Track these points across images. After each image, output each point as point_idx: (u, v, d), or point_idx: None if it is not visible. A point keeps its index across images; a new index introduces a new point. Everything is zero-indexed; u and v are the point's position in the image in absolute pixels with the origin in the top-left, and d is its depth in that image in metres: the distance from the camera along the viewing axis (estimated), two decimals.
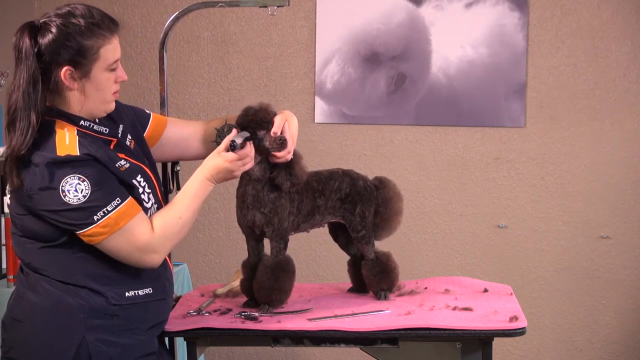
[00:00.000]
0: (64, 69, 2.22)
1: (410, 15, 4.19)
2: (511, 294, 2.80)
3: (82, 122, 2.28)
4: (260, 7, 3.03)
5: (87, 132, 2.29)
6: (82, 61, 2.23)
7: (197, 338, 2.52)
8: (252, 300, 2.66)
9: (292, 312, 2.60)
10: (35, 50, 2.20)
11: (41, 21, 2.23)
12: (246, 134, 2.46)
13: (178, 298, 2.79)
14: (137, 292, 2.32)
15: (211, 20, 4.30)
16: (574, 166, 4.22)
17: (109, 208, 2.21)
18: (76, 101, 2.27)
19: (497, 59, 4.18)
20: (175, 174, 2.92)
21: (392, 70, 4.21)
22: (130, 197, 2.26)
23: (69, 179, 2.18)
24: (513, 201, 4.25)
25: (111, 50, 2.26)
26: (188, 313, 2.60)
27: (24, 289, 2.31)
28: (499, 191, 4.25)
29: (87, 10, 2.25)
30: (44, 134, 2.24)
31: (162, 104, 3.08)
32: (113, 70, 2.28)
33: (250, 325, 2.50)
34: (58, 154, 2.20)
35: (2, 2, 4.03)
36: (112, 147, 2.34)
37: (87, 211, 2.20)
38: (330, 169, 2.74)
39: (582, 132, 4.20)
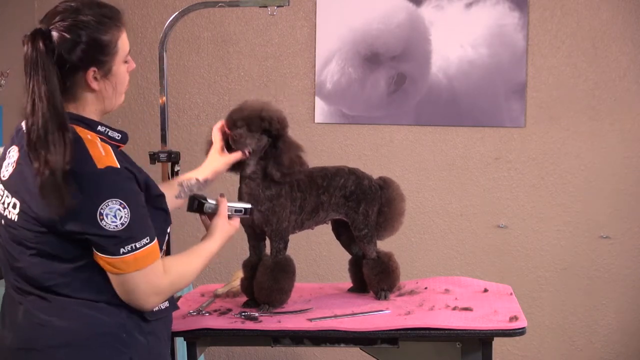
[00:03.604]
0: (90, 70, 2.05)
1: (410, 15, 4.19)
2: (511, 294, 2.80)
3: (99, 127, 2.10)
4: (260, 7, 3.03)
5: (104, 138, 2.10)
6: (104, 59, 2.06)
7: (197, 338, 2.52)
8: (252, 300, 2.66)
9: (292, 312, 2.60)
10: (54, 57, 2.00)
11: (49, 26, 2.02)
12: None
13: (178, 298, 2.79)
14: (160, 307, 2.16)
15: (211, 20, 4.30)
16: (574, 166, 4.21)
17: (137, 245, 2.02)
18: (94, 102, 2.10)
19: (497, 59, 4.18)
20: (175, 174, 2.92)
21: (392, 70, 4.21)
22: (156, 238, 2.07)
23: (110, 203, 1.98)
24: (513, 201, 4.25)
25: (125, 40, 2.11)
26: (188, 313, 2.60)
27: (44, 315, 2.05)
28: (499, 191, 4.25)
29: (88, 3, 2.06)
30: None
31: (162, 104, 3.07)
32: (127, 61, 2.13)
33: (250, 325, 2.50)
34: (98, 166, 1.99)
35: (2, 2, 4.03)
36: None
37: (117, 239, 2.00)
38: (336, 166, 2.75)
39: (582, 132, 4.20)
